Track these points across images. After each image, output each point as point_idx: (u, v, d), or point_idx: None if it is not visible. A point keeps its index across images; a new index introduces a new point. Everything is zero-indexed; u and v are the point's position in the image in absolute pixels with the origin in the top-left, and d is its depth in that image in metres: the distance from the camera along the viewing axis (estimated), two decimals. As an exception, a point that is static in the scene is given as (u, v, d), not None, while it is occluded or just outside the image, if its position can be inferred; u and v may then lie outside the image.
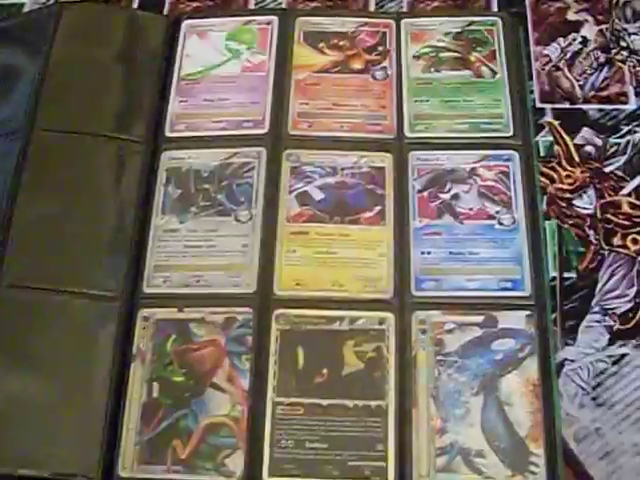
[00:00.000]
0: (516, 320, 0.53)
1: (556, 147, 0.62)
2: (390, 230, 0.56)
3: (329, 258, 0.55)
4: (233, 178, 0.58)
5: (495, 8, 0.68)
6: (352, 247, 0.56)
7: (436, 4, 0.68)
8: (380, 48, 0.64)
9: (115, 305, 0.55)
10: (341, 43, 0.64)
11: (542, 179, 0.60)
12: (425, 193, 0.57)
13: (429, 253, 0.55)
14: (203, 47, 0.64)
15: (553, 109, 0.64)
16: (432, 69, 0.63)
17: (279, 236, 0.56)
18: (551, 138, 0.62)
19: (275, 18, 0.65)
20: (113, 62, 0.63)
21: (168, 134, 0.61)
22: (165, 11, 0.70)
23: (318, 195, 0.57)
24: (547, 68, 0.66)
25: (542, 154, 0.62)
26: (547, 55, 0.66)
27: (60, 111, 0.61)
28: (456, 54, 0.63)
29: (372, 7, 0.68)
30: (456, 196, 0.57)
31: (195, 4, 0.70)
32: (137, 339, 0.53)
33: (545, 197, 0.60)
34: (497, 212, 0.56)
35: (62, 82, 0.62)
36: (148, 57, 0.64)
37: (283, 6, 0.69)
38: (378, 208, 0.57)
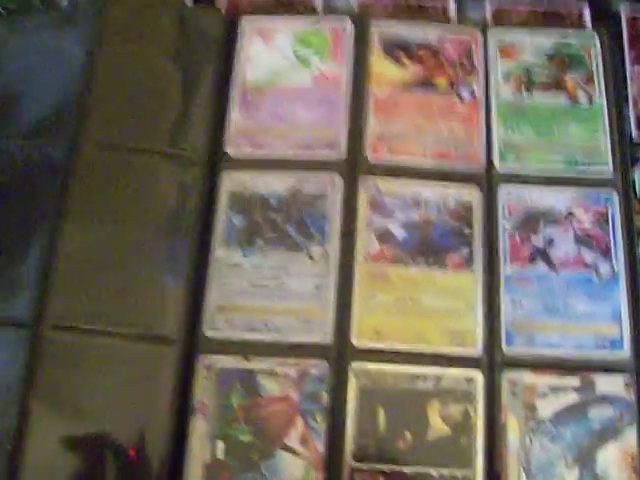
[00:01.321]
0: (614, 385, 0.49)
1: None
2: (478, 276, 0.52)
3: (412, 306, 0.51)
4: (304, 207, 0.53)
5: (588, 21, 0.62)
6: (437, 294, 0.51)
7: (524, 12, 0.61)
8: (466, 63, 0.58)
9: (173, 349, 0.50)
10: (423, 54, 0.58)
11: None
12: (516, 235, 0.53)
13: (521, 304, 0.51)
14: (268, 51, 0.58)
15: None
16: (524, 91, 0.57)
17: (357, 278, 0.51)
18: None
19: (348, 21, 0.59)
20: (165, 64, 0.57)
21: (229, 151, 0.55)
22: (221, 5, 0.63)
23: (400, 232, 0.52)
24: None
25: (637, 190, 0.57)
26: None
27: (108, 123, 0.54)
28: (550, 74, 0.58)
29: (452, 12, 0.61)
30: (551, 241, 0.53)
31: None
32: (198, 389, 0.49)
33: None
34: (594, 261, 0.52)
35: (109, 88, 0.56)
36: (205, 58, 0.58)
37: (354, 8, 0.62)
38: (466, 250, 0.52)
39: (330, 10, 0.60)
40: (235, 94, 0.57)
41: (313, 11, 0.60)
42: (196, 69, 0.57)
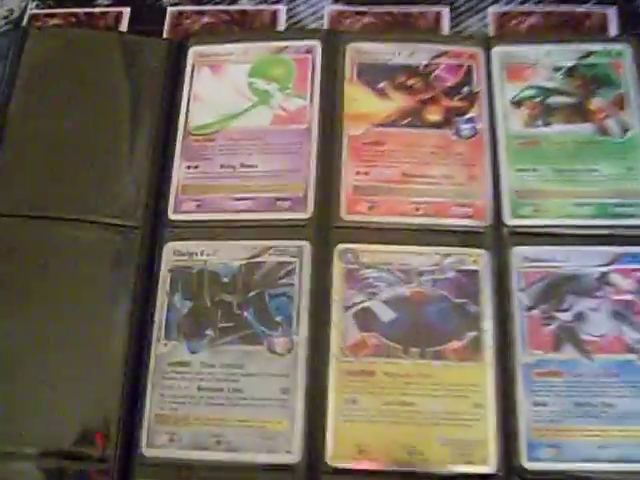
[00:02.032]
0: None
1: None
2: (489, 368, 0.40)
3: (404, 411, 0.40)
4: (265, 286, 0.42)
5: (612, 27, 0.50)
6: (436, 394, 0.40)
7: (533, 21, 0.50)
8: (465, 90, 0.47)
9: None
10: (410, 82, 0.47)
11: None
12: (536, 312, 0.42)
13: (544, 405, 0.40)
14: (218, 85, 0.47)
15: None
16: (539, 121, 0.46)
17: (333, 378, 0.40)
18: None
19: (317, 44, 0.48)
20: (94, 107, 0.47)
21: (172, 216, 0.44)
22: (165, 30, 0.52)
23: (386, 314, 0.41)
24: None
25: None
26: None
27: (18, 189, 0.44)
28: (571, 99, 0.46)
29: (445, 25, 0.50)
30: (580, 316, 0.41)
31: (206, 19, 0.52)
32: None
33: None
34: (638, 341, 0.41)
35: (22, 143, 0.45)
36: (142, 98, 0.47)
37: (325, 24, 0.51)
38: (471, 334, 0.41)
39: (295, 29, 0.50)
40: (179, 142, 0.46)
41: (274, 31, 0.49)
42: (134, 113, 0.47)
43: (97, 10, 0.54)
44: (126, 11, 0.53)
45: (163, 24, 0.52)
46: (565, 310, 0.42)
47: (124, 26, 0.53)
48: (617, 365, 0.40)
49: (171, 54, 0.49)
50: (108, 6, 0.54)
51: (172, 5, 0.53)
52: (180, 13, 0.53)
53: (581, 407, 0.40)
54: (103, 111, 0.47)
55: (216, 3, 0.52)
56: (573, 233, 0.43)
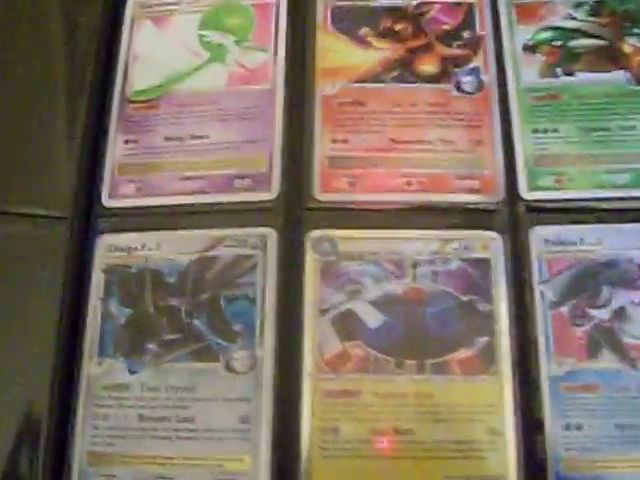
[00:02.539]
0: None
1: None
2: (506, 383, 0.32)
3: (399, 442, 0.31)
4: (220, 287, 0.34)
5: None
6: (440, 419, 0.32)
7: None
8: (466, 34, 0.38)
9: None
10: (398, 27, 0.38)
11: None
12: (564, 309, 0.33)
13: (578, 428, 0.31)
14: (163, 42, 0.39)
15: None
16: (559, 70, 0.37)
17: (307, 401, 0.32)
18: None
19: (282, -15, 0.39)
20: (16, 73, 0.38)
21: (107, 202, 0.36)
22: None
23: (374, 318, 0.33)
24: None
25: None
26: None
27: None
28: (598, 41, 0.37)
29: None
30: (621, 313, 0.33)
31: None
32: None
33: None
34: (697, 343, 0.32)
35: None
36: (73, 63, 0.39)
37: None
38: (483, 341, 0.32)
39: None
40: (114, 112, 0.38)
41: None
42: (63, 80, 0.38)
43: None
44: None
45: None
46: (601, 306, 0.33)
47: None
48: (670, 374, 0.32)
49: (107, 7, 0.40)
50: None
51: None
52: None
53: (625, 430, 0.31)
54: (30, 78, 0.39)
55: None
56: (607, 208, 0.34)
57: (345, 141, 0.36)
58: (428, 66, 0.37)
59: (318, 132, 0.36)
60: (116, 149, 0.37)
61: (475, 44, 0.38)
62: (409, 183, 0.35)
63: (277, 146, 0.36)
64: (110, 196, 0.36)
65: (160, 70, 0.38)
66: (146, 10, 0.40)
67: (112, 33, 0.40)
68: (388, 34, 0.38)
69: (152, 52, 0.39)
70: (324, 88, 0.37)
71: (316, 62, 0.37)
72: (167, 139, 0.37)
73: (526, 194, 0.35)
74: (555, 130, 0.36)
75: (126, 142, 0.37)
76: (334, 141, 0.36)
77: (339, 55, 0.38)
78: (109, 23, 0.40)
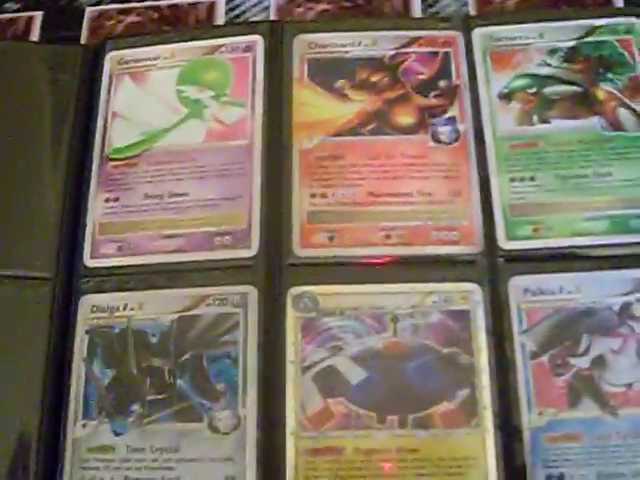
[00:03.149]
0: None
1: None
2: (488, 435, 0.33)
3: (384, 498, 0.32)
4: (203, 347, 0.35)
5: (618, 1, 0.42)
6: (423, 473, 0.32)
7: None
8: (442, 84, 0.39)
9: None
10: (374, 79, 0.39)
11: None
12: (545, 359, 0.34)
13: (561, 477, 0.32)
14: (141, 98, 0.40)
15: None
16: (535, 118, 0.38)
17: (291, 460, 0.33)
18: None
19: (259, 38, 0.40)
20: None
21: (89, 262, 0.37)
22: (83, 35, 0.45)
23: (356, 374, 0.34)
24: None
25: None
26: None
27: None
28: (573, 88, 0.38)
29: (416, 8, 0.42)
30: (600, 361, 0.33)
31: (130, 19, 0.44)
32: None
33: None
34: (677, 389, 0.33)
35: None
36: (53, 120, 0.40)
37: (271, 15, 0.43)
38: (464, 393, 0.33)
39: (232, 24, 0.42)
40: (94, 170, 0.39)
41: (206, 28, 0.42)
42: (44, 138, 0.39)
43: (4, 17, 0.46)
44: (38, 16, 0.46)
45: (81, 28, 0.45)
46: (581, 355, 0.34)
47: (36, 34, 0.45)
48: (651, 422, 0.33)
49: (85, 63, 0.41)
50: (17, 11, 0.46)
51: (91, 5, 0.45)
52: (101, 14, 0.45)
53: (607, 479, 0.32)
54: (11, 138, 0.40)
55: None
56: (585, 255, 0.35)
57: (324, 195, 0.37)
58: (405, 117, 0.38)
59: (296, 187, 0.37)
60: (97, 208, 0.38)
61: (451, 93, 0.39)
62: (388, 236, 0.36)
63: (256, 202, 0.37)
64: (92, 256, 0.37)
65: (139, 127, 0.39)
66: (124, 66, 0.41)
67: (91, 90, 0.41)
68: (365, 85, 0.39)
69: (131, 109, 0.40)
70: (301, 142, 0.38)
71: (293, 116, 0.38)
72: (147, 197, 0.38)
73: (504, 244, 0.36)
74: (532, 178, 0.37)
75: (107, 200, 0.38)
76: (313, 195, 0.37)
77: (316, 109, 0.38)
78: (88, 80, 0.41)
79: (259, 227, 0.36)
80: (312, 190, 0.37)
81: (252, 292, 0.35)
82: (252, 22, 0.43)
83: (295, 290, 0.35)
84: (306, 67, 0.39)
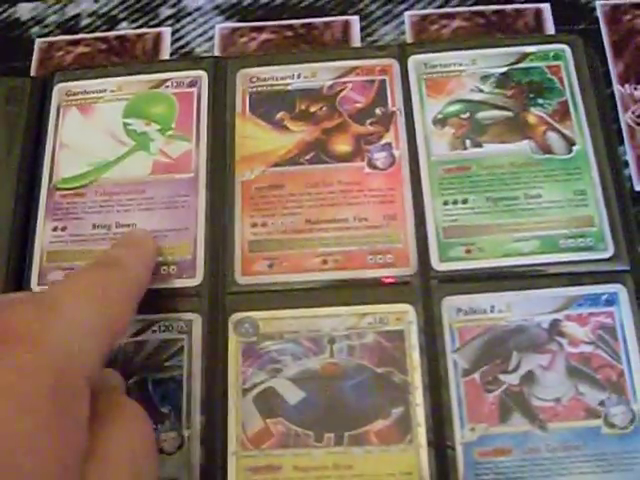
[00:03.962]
0: None
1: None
2: (422, 451, 0.35)
3: (321, 514, 0.34)
4: (148, 371, 0.36)
5: (548, 26, 0.45)
6: (359, 490, 0.34)
7: (457, 23, 0.45)
8: (378, 111, 0.41)
9: None
10: (313, 109, 0.41)
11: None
12: (476, 376, 0.36)
13: (493, 490, 0.34)
14: (89, 130, 0.42)
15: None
16: (468, 142, 0.40)
17: (231, 477, 0.35)
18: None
19: (203, 74, 0.42)
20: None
21: (36, 289, 0.39)
22: (33, 66, 0.47)
23: (294, 395, 0.36)
24: (645, 118, 0.43)
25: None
26: (642, 98, 0.44)
27: None
28: (504, 113, 0.41)
29: (355, 36, 0.45)
30: (530, 377, 0.36)
31: (79, 49, 0.46)
32: None
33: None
34: (602, 403, 0.35)
35: None
36: (1, 150, 0.42)
37: (215, 45, 0.45)
38: (398, 411, 0.35)
39: (176, 58, 0.44)
40: (42, 199, 0.40)
41: (153, 62, 0.44)
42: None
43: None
44: (-12, 46, 0.48)
45: (31, 59, 0.47)
46: (511, 371, 0.36)
47: (-14, 64, 0.47)
48: (578, 435, 0.35)
49: (33, 94, 0.43)
50: (-35, 42, 0.48)
51: (40, 36, 0.47)
52: (50, 45, 0.47)
53: (539, 492, 0.34)
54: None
55: (91, 30, 0.47)
56: (515, 274, 0.37)
57: (264, 225, 0.39)
58: (342, 145, 0.40)
59: (238, 217, 0.39)
60: (44, 236, 0.40)
61: (387, 120, 0.41)
62: (325, 262, 0.38)
63: (201, 233, 0.39)
64: (39, 284, 0.39)
65: (86, 158, 0.41)
66: (72, 98, 0.43)
67: (39, 121, 0.43)
68: (304, 116, 0.41)
69: (78, 140, 0.41)
70: (243, 174, 0.40)
71: (236, 149, 0.40)
72: (95, 227, 0.39)
73: (438, 265, 0.38)
74: (465, 201, 0.39)
75: (54, 229, 0.40)
76: (254, 225, 0.39)
77: (257, 141, 0.40)
78: (36, 111, 0.43)
79: (203, 257, 0.38)
80: (253, 220, 0.39)
81: (197, 319, 0.37)
82: (197, 58, 0.45)
83: (237, 316, 0.37)
84: (248, 101, 0.42)
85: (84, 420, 0.26)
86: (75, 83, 0.43)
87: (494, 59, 0.42)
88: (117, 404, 0.30)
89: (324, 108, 0.41)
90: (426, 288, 0.37)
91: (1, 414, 0.24)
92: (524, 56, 0.42)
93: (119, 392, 0.33)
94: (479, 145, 0.40)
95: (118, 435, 0.28)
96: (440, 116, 0.41)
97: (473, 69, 0.42)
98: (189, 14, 0.47)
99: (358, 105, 0.41)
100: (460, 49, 0.42)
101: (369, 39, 0.45)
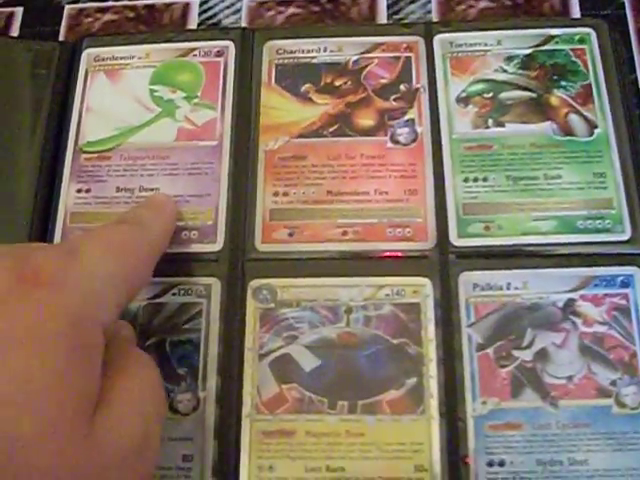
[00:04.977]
0: None
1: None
2: (434, 422, 0.35)
3: (331, 479, 0.35)
4: (166, 333, 0.37)
5: (574, 10, 0.45)
6: (370, 457, 0.35)
7: (484, 4, 0.45)
8: (402, 87, 0.42)
9: None
10: (338, 83, 0.42)
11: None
12: (490, 351, 0.36)
13: (501, 464, 0.35)
14: (116, 95, 0.42)
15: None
16: (490, 121, 0.41)
17: (246, 440, 0.35)
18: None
19: (230, 44, 0.43)
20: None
21: (60, 250, 0.40)
22: (62, 32, 0.48)
23: (309, 362, 0.36)
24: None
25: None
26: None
27: None
28: (528, 94, 0.41)
29: (382, 13, 0.45)
30: (543, 354, 0.36)
31: (107, 17, 0.47)
32: None
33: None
34: (614, 383, 0.35)
35: None
36: (29, 113, 0.42)
37: (242, 18, 0.46)
38: (412, 382, 0.36)
39: (204, 28, 0.45)
40: (67, 162, 0.41)
41: (181, 31, 0.45)
42: (18, 131, 0.42)
43: (-15, 12, 0.49)
44: (19, 11, 0.48)
45: (60, 25, 0.47)
46: (525, 347, 0.36)
47: (16, 28, 0.48)
48: (588, 413, 0.35)
49: (62, 59, 0.44)
50: (-1, 6, 0.49)
51: (70, 3, 0.48)
52: (79, 11, 0.48)
53: (546, 466, 0.35)
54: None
55: (119, -2, 0.47)
56: (532, 253, 0.38)
57: (286, 194, 0.39)
58: (365, 119, 0.41)
59: (260, 186, 0.39)
60: (68, 198, 0.40)
61: (411, 97, 0.41)
62: (345, 233, 0.38)
63: (223, 200, 0.39)
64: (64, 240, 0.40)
65: (112, 123, 0.42)
66: (100, 63, 0.43)
67: (67, 85, 0.43)
68: (329, 89, 0.42)
69: (105, 105, 0.42)
70: (266, 144, 0.40)
71: (260, 119, 0.41)
72: (119, 190, 0.40)
73: (456, 241, 0.38)
74: (485, 179, 0.39)
75: (78, 191, 0.40)
76: (275, 194, 0.39)
77: (281, 112, 0.41)
78: (64, 75, 0.43)
79: (224, 224, 0.39)
80: (275, 189, 0.39)
81: (216, 284, 0.38)
82: (224, 28, 0.46)
83: (255, 283, 0.38)
84: (274, 72, 0.42)
85: (97, 366, 0.27)
86: (104, 49, 0.44)
87: (519, 40, 0.42)
88: (127, 353, 0.30)
89: (349, 82, 0.42)
90: (444, 263, 0.38)
91: (20, 354, 0.24)
92: (549, 38, 0.42)
93: (130, 343, 0.33)
94: (501, 125, 0.41)
95: (128, 383, 0.29)
96: (464, 94, 0.41)
97: (498, 49, 0.42)
98: (217, -14, 0.47)
99: (383, 81, 0.42)
100: (486, 29, 0.43)
101: (395, 17, 0.45)
